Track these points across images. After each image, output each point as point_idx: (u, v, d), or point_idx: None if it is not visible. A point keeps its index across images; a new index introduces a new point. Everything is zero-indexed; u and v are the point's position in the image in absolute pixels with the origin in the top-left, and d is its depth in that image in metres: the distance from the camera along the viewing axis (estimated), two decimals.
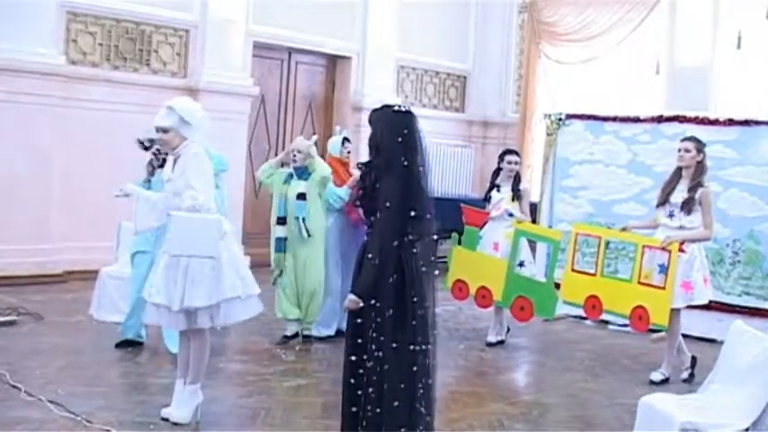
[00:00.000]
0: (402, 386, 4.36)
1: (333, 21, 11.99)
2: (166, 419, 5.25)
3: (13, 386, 5.68)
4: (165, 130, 5.19)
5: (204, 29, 10.70)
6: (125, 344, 6.93)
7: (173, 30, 10.58)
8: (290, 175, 7.54)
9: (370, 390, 4.35)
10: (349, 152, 8.05)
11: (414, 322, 4.42)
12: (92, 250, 9.23)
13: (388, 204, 4.32)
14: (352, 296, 4.37)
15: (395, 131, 4.40)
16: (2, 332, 7.15)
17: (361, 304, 4.35)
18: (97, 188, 9.23)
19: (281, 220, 7.46)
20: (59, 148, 9.51)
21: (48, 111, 9.39)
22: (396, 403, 4.33)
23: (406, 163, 4.37)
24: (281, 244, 7.44)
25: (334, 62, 12.49)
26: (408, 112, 4.50)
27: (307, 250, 7.41)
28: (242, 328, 7.53)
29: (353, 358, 4.41)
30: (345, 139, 8.00)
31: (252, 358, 6.94)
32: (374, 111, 4.59)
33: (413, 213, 4.40)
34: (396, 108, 4.54)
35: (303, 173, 7.48)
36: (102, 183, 8.87)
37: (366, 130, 12.74)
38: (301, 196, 7.38)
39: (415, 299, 4.43)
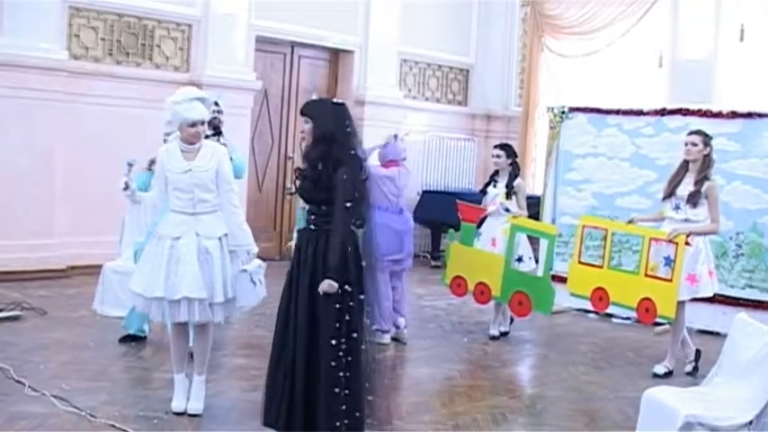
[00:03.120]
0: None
1: (335, 14, 11.97)
2: (179, 414, 5.28)
3: (17, 381, 5.69)
4: (203, 123, 5.33)
5: (207, 23, 10.69)
6: (128, 338, 6.95)
7: (175, 24, 10.57)
8: None
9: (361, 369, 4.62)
10: None
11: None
12: (95, 245, 9.23)
13: (347, 193, 4.52)
14: (329, 281, 4.47)
15: (343, 123, 4.64)
16: (6, 327, 7.16)
17: (336, 286, 4.48)
18: (100, 183, 9.24)
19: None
20: (62, 143, 9.50)
21: (50, 106, 9.38)
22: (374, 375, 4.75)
23: (352, 152, 4.61)
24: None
25: (336, 56, 12.47)
26: (345, 104, 4.80)
27: None
28: (245, 323, 7.55)
29: (333, 342, 4.51)
30: None
31: (255, 352, 6.92)
32: (312, 103, 4.87)
33: (361, 200, 4.64)
34: (335, 101, 4.87)
35: None
36: (104, 178, 8.87)
37: (370, 125, 12.75)
38: None
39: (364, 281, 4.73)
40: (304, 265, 4.63)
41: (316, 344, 4.55)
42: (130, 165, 6.29)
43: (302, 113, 4.72)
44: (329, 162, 4.56)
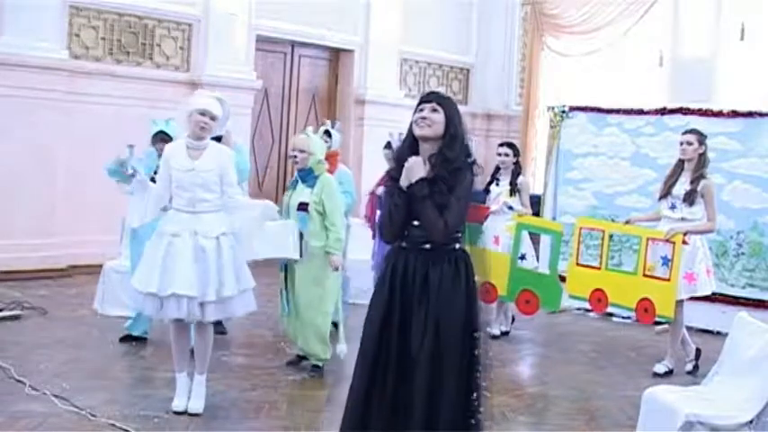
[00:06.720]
0: None
1: (336, 14, 11.98)
2: (180, 413, 5.27)
3: (18, 380, 5.69)
4: (213, 119, 5.33)
5: (207, 22, 10.70)
6: (129, 338, 6.95)
7: (175, 24, 10.57)
8: (296, 180, 6.46)
9: None
10: (329, 146, 7.29)
11: None
12: (95, 244, 9.24)
13: (463, 201, 3.99)
14: None
15: (463, 123, 4.04)
16: (6, 326, 7.17)
17: None
18: (101, 182, 9.18)
19: None
20: (63, 142, 9.51)
21: (51, 105, 9.39)
22: None
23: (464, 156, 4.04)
24: (282, 261, 6.26)
25: (337, 55, 12.48)
26: None
27: (304, 270, 6.20)
28: (246, 322, 7.54)
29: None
30: (326, 132, 7.48)
31: (256, 352, 6.94)
32: (444, 97, 4.07)
33: None
34: None
35: (308, 176, 6.30)
36: (105, 177, 8.86)
37: (370, 124, 12.68)
38: (303, 206, 6.20)
39: None
40: (437, 294, 3.89)
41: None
42: (131, 146, 6.32)
43: (431, 100, 3.98)
44: (456, 164, 4.01)
